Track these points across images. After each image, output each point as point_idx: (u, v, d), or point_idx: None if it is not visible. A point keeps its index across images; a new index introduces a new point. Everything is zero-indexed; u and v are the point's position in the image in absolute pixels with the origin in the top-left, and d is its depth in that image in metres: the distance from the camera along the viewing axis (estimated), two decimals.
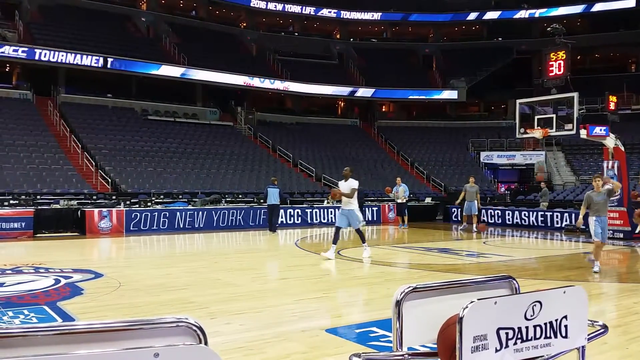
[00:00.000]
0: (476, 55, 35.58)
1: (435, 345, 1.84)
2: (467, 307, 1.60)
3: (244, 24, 36.55)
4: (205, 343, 1.25)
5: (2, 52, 24.25)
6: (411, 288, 1.77)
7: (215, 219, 17.27)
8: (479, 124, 34.49)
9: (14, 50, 24.58)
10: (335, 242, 10.42)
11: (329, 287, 7.40)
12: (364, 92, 34.29)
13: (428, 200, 23.35)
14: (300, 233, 16.55)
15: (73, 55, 25.66)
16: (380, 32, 39.96)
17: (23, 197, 16.47)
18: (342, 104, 37.66)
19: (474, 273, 8.80)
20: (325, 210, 19.73)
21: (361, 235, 10.47)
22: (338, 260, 10.21)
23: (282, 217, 18.36)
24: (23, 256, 11.05)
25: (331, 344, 4.65)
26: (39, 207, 15.21)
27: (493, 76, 34.82)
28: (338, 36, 38.85)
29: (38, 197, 16.75)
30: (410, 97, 34.90)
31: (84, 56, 25.93)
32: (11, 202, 15.68)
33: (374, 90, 34.17)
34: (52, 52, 25.18)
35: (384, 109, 38.57)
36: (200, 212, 17.18)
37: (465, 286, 1.90)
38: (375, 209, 20.95)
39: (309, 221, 19.09)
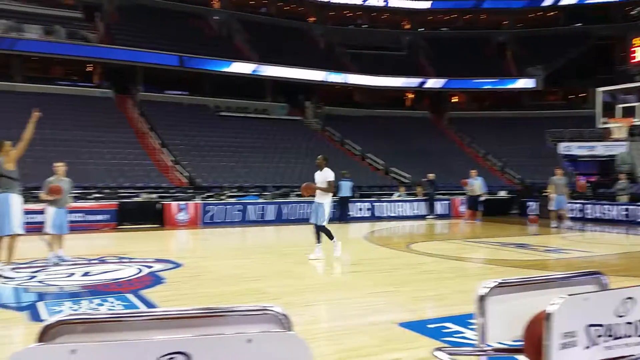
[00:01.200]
0: (553, 42, 34.01)
1: (520, 342, 1.79)
2: (556, 303, 1.55)
3: (313, 19, 36.78)
4: (291, 331, 1.27)
5: (84, 53, 25.76)
6: (496, 283, 1.73)
7: (284, 212, 17.55)
8: (557, 113, 32.93)
9: (95, 51, 26.00)
10: (319, 240, 9.35)
11: (400, 281, 7.34)
12: (434, 83, 33.65)
13: (502, 193, 22.63)
14: (369, 227, 16.51)
15: (151, 54, 26.82)
16: (452, 20, 39.02)
17: (107, 190, 17.42)
18: (411, 96, 37.14)
19: (553, 269, 8.47)
20: (394, 203, 19.58)
21: (327, 233, 9.36)
22: (408, 255, 10.12)
23: (350, 211, 18.40)
24: (107, 247, 11.69)
25: (404, 338, 4.62)
26: (122, 200, 16.03)
27: (571, 64, 33.17)
28: (407, 27, 38.30)
29: (120, 190, 17.63)
30: (484, 87, 33.91)
31: (161, 55, 27.04)
32: (96, 195, 16.63)
33: (445, 80, 33.46)
34: (131, 52, 26.42)
35: (455, 100, 37.69)
36: (271, 205, 17.51)
37: (552, 282, 1.83)
38: (446, 202, 20.55)
39: (378, 215, 19.01)
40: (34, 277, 7.57)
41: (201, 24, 32.69)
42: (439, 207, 20.01)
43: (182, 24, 30.25)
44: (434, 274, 8.45)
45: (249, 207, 17.15)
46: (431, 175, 19.58)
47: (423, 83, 33.65)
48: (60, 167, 8.99)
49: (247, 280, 7.40)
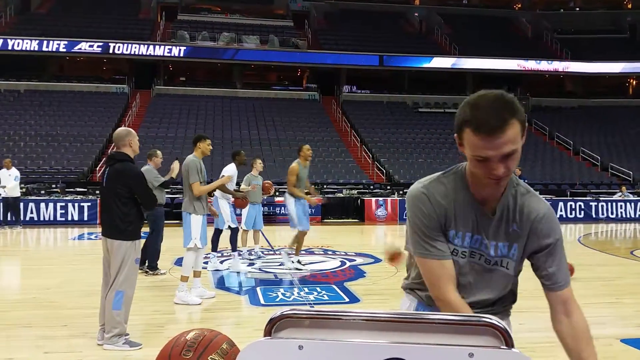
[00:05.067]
0: None
1: None
2: None
3: (519, 5, 34.61)
4: (512, 347, 1.19)
5: (295, 59, 27.89)
6: None
7: None
8: None
9: (304, 56, 27.93)
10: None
11: (622, 291, 6.54)
12: None
13: None
14: (583, 229, 15.01)
15: (353, 56, 27.94)
16: None
17: (313, 186, 18.58)
18: (633, 83, 32.75)
19: None
20: (614, 203, 17.49)
21: (232, 242, 7.92)
22: (632, 262, 8.96)
23: (560, 210, 16.96)
24: (314, 239, 12.47)
25: (629, 356, 4.11)
26: (326, 196, 16.97)
27: None
28: (629, 6, 33.84)
29: (325, 186, 18.67)
30: None
31: (363, 56, 28.00)
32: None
33: None
34: (335, 55, 27.84)
35: None
36: None
37: None
38: None
39: (594, 216, 17.16)
40: (253, 264, 8.40)
41: (401, 21, 32.97)
42: None
43: (382, 24, 30.87)
44: None
45: None
46: None
47: None
48: (259, 164, 9.13)
49: None
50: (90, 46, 25.81)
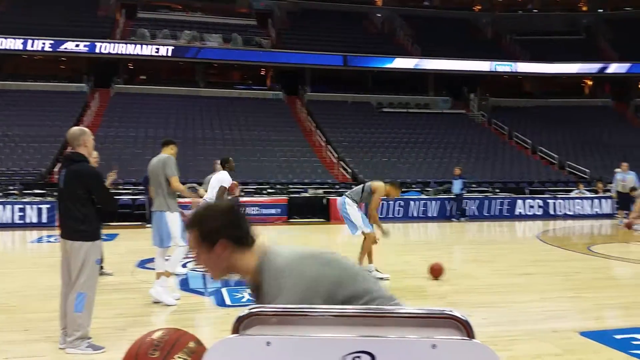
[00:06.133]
0: None
1: None
2: None
3: (479, 7, 35.32)
4: (473, 338, 1.23)
5: (258, 58, 27.77)
6: None
7: (447, 208, 17.14)
8: None
9: (268, 56, 27.86)
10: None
11: (581, 286, 6.75)
12: (617, 68, 30.28)
13: None
14: (542, 225, 15.44)
15: (317, 56, 27.99)
16: None
17: (278, 186, 18.56)
18: (589, 83, 33.85)
19: None
20: (571, 201, 18.04)
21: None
22: (589, 257, 9.26)
23: (519, 208, 17.48)
24: (280, 239, 12.46)
25: (587, 348, 4.25)
26: (292, 196, 16.97)
27: None
28: (585, 8, 34.96)
29: (290, 186, 18.66)
30: None
31: (327, 56, 28.09)
32: (268, 190, 17.82)
33: (629, 65, 29.94)
34: (299, 55, 27.83)
35: None
36: (433, 202, 17.23)
37: None
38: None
39: (552, 213, 17.68)
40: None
41: (364, 22, 33.21)
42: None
43: (346, 24, 31.03)
44: (621, 280, 7.66)
45: (411, 203, 17.07)
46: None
47: (604, 68, 30.47)
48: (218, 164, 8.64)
49: (412, 278, 7.37)
50: (47, 44, 25.14)
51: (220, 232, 1.62)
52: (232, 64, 29.36)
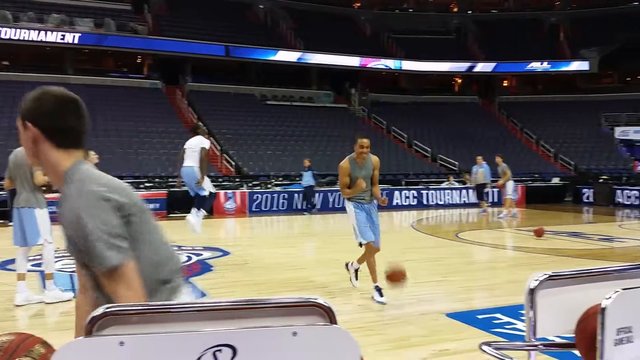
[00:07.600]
0: (609, 22, 32.48)
1: (571, 336, 1.73)
2: (610, 297, 1.48)
3: (358, 4, 36.42)
4: (335, 323, 1.26)
5: (134, 45, 26.41)
6: (547, 276, 1.67)
7: (331, 200, 17.57)
8: (614, 96, 31.51)
9: (145, 43, 26.60)
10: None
11: (449, 270, 7.24)
12: (483, 67, 32.81)
13: (555, 180, 21.93)
14: (416, 215, 16.36)
15: (198, 45, 27.22)
16: (501, 2, 37.86)
17: (157, 180, 17.86)
18: (459, 81, 36.36)
19: (609, 259, 8.17)
20: (442, 191, 19.30)
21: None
22: (457, 244, 9.97)
23: (396, 199, 18.32)
24: None
25: (452, 329, 4.56)
26: (172, 190, 16.41)
27: (629, 45, 31.63)
28: (455, 9, 37.42)
29: (169, 180, 18.05)
30: (536, 70, 32.82)
31: (208, 46, 27.42)
32: (146, 184, 17.08)
33: (494, 64, 32.57)
34: (179, 43, 26.89)
35: (505, 84, 36.65)
36: (317, 194, 17.56)
37: (607, 274, 1.75)
38: (498, 190, 20.05)
39: (425, 203, 18.79)
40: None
41: (246, 12, 32.87)
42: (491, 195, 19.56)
43: (228, 14, 30.49)
44: (484, 264, 8.32)
45: (295, 195, 17.26)
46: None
47: (472, 67, 32.87)
48: (93, 156, 8.55)
49: (293, 269, 7.46)
50: None
51: (32, 115, 1.55)
52: (104, 50, 27.68)
